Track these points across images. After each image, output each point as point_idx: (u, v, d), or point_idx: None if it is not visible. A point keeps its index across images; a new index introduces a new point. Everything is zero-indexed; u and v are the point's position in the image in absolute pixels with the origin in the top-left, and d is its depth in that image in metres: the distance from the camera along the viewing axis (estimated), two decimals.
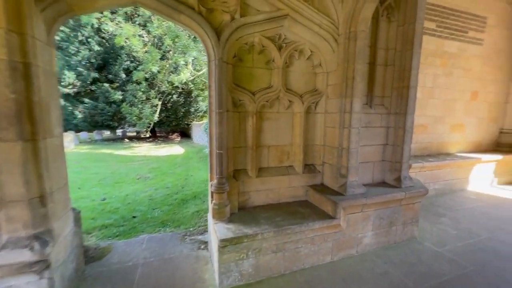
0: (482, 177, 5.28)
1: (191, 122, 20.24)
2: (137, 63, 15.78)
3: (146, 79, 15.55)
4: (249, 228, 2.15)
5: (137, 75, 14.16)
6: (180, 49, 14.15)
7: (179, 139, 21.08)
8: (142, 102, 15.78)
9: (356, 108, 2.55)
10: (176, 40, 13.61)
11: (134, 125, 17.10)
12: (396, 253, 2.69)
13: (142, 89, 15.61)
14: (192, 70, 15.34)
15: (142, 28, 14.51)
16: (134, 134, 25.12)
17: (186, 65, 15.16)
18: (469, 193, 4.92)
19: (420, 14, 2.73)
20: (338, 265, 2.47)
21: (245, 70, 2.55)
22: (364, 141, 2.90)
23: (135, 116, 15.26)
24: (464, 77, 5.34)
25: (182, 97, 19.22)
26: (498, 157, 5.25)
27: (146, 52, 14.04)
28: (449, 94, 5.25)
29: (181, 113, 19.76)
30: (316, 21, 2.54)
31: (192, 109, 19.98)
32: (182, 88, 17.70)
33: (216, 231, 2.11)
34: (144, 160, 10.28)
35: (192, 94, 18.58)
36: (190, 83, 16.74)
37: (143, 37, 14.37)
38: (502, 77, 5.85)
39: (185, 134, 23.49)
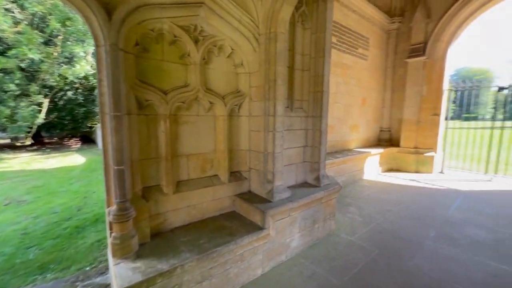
0: (372, 167, 6.53)
1: (95, 124, 16.79)
2: (5, 45, 11.70)
3: (21, 69, 11.74)
4: (164, 262, 1.71)
5: (3, 62, 10.48)
6: (74, 35, 11.41)
7: (79, 145, 17.09)
8: (15, 99, 11.81)
9: (279, 111, 2.51)
10: (67, 23, 10.88)
11: (4, 130, 12.61)
12: (319, 251, 2.82)
13: (16, 81, 11.69)
14: (94, 63, 12.67)
15: (12, 0, 10.83)
16: (8, 141, 18.66)
17: (85, 56, 12.39)
18: (364, 181, 5.96)
19: (328, 25, 2.97)
20: (269, 277, 2.35)
21: (153, 63, 2.07)
22: (287, 144, 2.92)
23: (5, 117, 11.29)
24: (357, 86, 6.45)
25: (81, 95, 15.67)
26: (380, 150, 6.63)
27: (18, 33, 10.56)
28: (348, 99, 6.21)
29: (80, 114, 16.10)
30: (235, 16, 2.33)
31: (97, 109, 16.60)
32: (81, 84, 14.43)
33: (117, 276, 1.57)
34: (20, 177, 7.63)
35: (95, 92, 15.41)
36: (91, 78, 13.81)
37: (13, 12, 10.75)
38: (379, 87, 7.44)
39: (88, 139, 19.35)
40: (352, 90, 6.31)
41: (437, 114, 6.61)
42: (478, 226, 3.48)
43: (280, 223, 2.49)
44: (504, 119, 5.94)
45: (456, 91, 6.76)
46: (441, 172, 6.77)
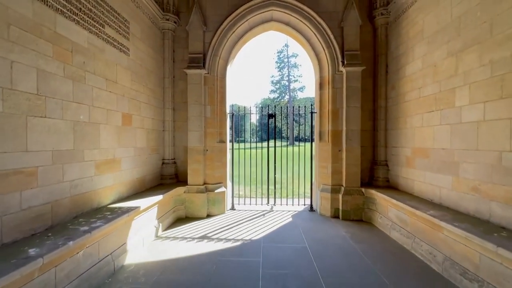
0: (145, 230, 3.90)
1: None
2: None
3: None
4: None
5: None
6: None
7: None
8: None
9: None
10: None
11: None
12: None
13: None
14: None
15: None
16: None
17: None
18: (126, 270, 3.12)
19: None
20: None
21: None
22: None
23: None
24: (109, 91, 3.63)
25: None
26: (159, 197, 4.24)
27: None
28: (86, 111, 3.18)
29: None
30: None
31: None
32: None
33: None
34: None
35: None
36: None
37: None
38: (157, 102, 5.25)
39: None
40: (97, 96, 3.38)
41: (224, 141, 5.59)
42: None
43: None
44: (268, 140, 6.14)
45: (234, 115, 6.26)
46: (232, 209, 5.77)
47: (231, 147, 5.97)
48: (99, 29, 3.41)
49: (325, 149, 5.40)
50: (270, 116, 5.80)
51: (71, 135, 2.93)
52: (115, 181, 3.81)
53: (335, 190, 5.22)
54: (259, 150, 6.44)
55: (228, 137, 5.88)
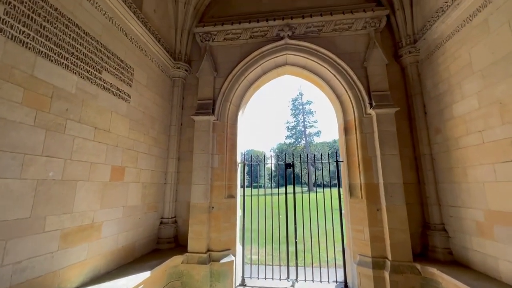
0: None
1: None
2: None
3: None
4: None
5: None
6: None
7: None
8: None
9: None
10: None
11: None
12: None
13: None
14: None
15: None
16: None
17: None
18: None
19: None
20: None
21: None
22: None
23: None
24: (97, 141, 3.10)
25: None
26: (145, 275, 3.25)
27: None
28: (59, 167, 2.58)
29: None
30: None
31: None
32: None
33: None
34: None
35: None
36: None
37: None
38: (160, 151, 4.70)
39: None
40: (81, 147, 2.83)
41: (233, 196, 4.72)
42: None
43: None
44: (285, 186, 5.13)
45: (248, 165, 5.49)
46: (242, 284, 4.52)
47: (242, 193, 5.04)
48: (94, 74, 3.07)
49: (358, 207, 4.30)
50: (288, 165, 4.98)
51: (30, 199, 2.25)
52: (91, 253, 2.96)
53: (377, 264, 3.91)
54: (275, 197, 5.47)
55: (239, 191, 5.02)
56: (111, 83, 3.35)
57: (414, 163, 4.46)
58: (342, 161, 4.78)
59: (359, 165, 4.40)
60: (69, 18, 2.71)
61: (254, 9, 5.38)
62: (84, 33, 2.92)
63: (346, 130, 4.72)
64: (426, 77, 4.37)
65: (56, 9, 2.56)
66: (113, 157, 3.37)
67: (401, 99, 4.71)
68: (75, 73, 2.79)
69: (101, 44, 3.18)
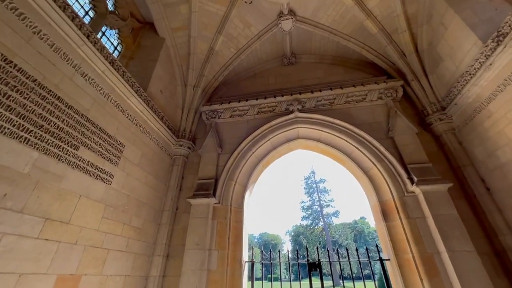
0: None
1: None
2: None
3: None
4: None
5: None
6: None
7: None
8: None
9: None
10: None
11: None
12: None
13: None
14: None
15: None
16: None
17: None
18: None
19: None
20: None
21: None
22: None
23: None
24: (44, 239, 2.22)
25: None
26: None
27: None
28: None
29: None
30: None
31: None
32: None
33: None
34: None
35: None
36: None
37: None
38: (143, 246, 3.62)
39: None
40: (8, 250, 1.94)
41: None
42: None
43: None
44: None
45: (261, 263, 4.14)
46: None
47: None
48: (67, 150, 2.52)
49: None
50: (312, 266, 3.61)
51: None
52: None
53: None
54: None
55: None
56: (88, 161, 2.77)
57: (498, 263, 3.05)
58: (389, 260, 3.42)
59: (417, 267, 3.04)
60: (50, 90, 2.40)
61: (262, 89, 5.40)
62: (66, 106, 2.56)
63: (385, 214, 3.61)
64: (473, 145, 3.58)
65: (34, 80, 2.27)
66: (63, 261, 2.38)
67: (446, 173, 3.78)
68: (37, 148, 2.25)
69: (87, 118, 2.81)
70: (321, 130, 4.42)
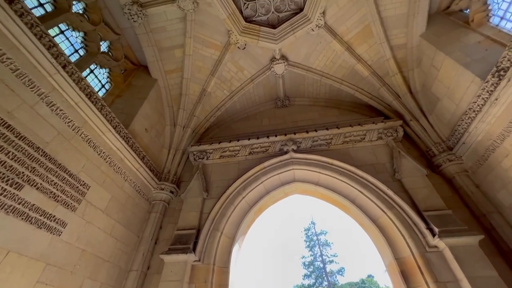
0: None
1: None
2: None
3: None
4: None
5: None
6: None
7: None
8: None
9: None
10: None
11: None
12: None
13: None
14: None
15: None
16: None
17: None
18: None
19: None
20: None
21: None
22: None
23: None
24: None
25: None
26: None
27: None
28: None
29: None
30: None
31: None
32: None
33: None
34: None
35: None
36: None
37: None
38: None
39: None
40: None
41: None
42: None
43: None
44: None
45: None
46: None
47: None
48: (3, 190, 2.01)
49: None
50: None
51: None
52: None
53: None
54: None
55: None
56: (32, 205, 2.22)
57: None
58: None
59: None
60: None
61: (255, 130, 5.17)
62: (17, 137, 2.16)
63: (405, 276, 2.88)
64: (494, 188, 3.12)
65: None
66: None
67: (469, 221, 3.21)
68: None
69: (43, 152, 2.38)
70: (319, 172, 3.98)
